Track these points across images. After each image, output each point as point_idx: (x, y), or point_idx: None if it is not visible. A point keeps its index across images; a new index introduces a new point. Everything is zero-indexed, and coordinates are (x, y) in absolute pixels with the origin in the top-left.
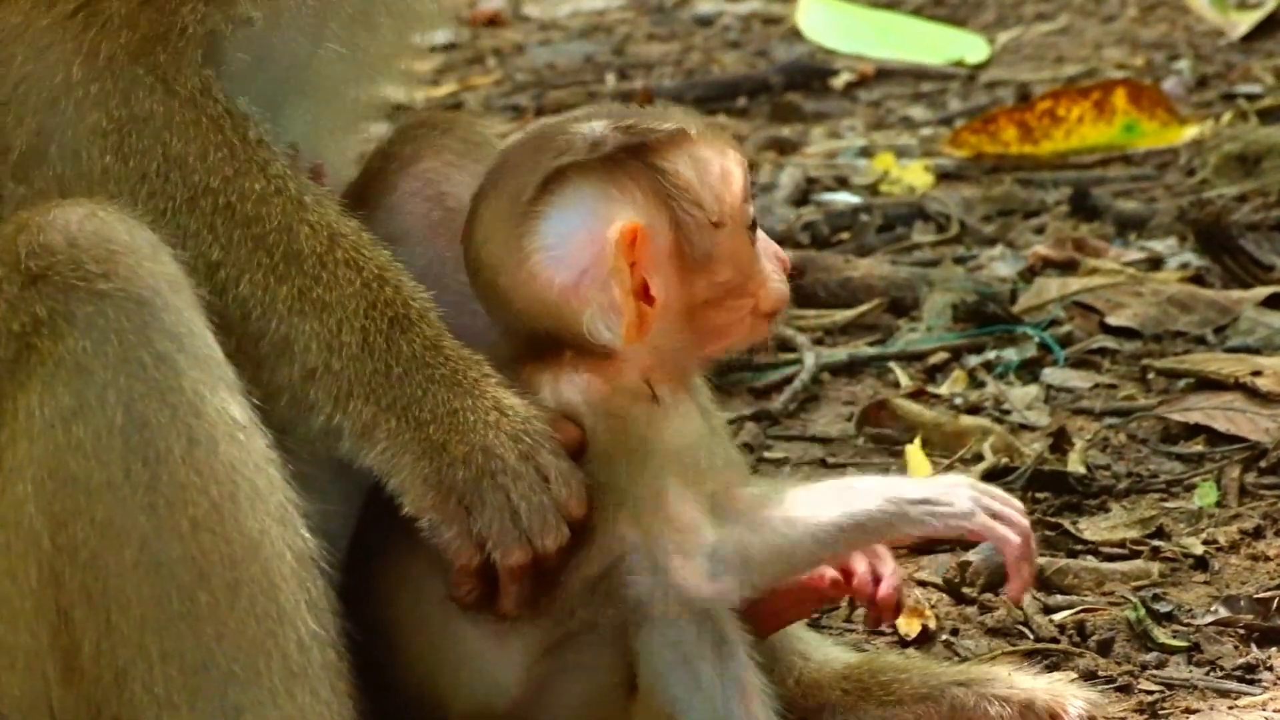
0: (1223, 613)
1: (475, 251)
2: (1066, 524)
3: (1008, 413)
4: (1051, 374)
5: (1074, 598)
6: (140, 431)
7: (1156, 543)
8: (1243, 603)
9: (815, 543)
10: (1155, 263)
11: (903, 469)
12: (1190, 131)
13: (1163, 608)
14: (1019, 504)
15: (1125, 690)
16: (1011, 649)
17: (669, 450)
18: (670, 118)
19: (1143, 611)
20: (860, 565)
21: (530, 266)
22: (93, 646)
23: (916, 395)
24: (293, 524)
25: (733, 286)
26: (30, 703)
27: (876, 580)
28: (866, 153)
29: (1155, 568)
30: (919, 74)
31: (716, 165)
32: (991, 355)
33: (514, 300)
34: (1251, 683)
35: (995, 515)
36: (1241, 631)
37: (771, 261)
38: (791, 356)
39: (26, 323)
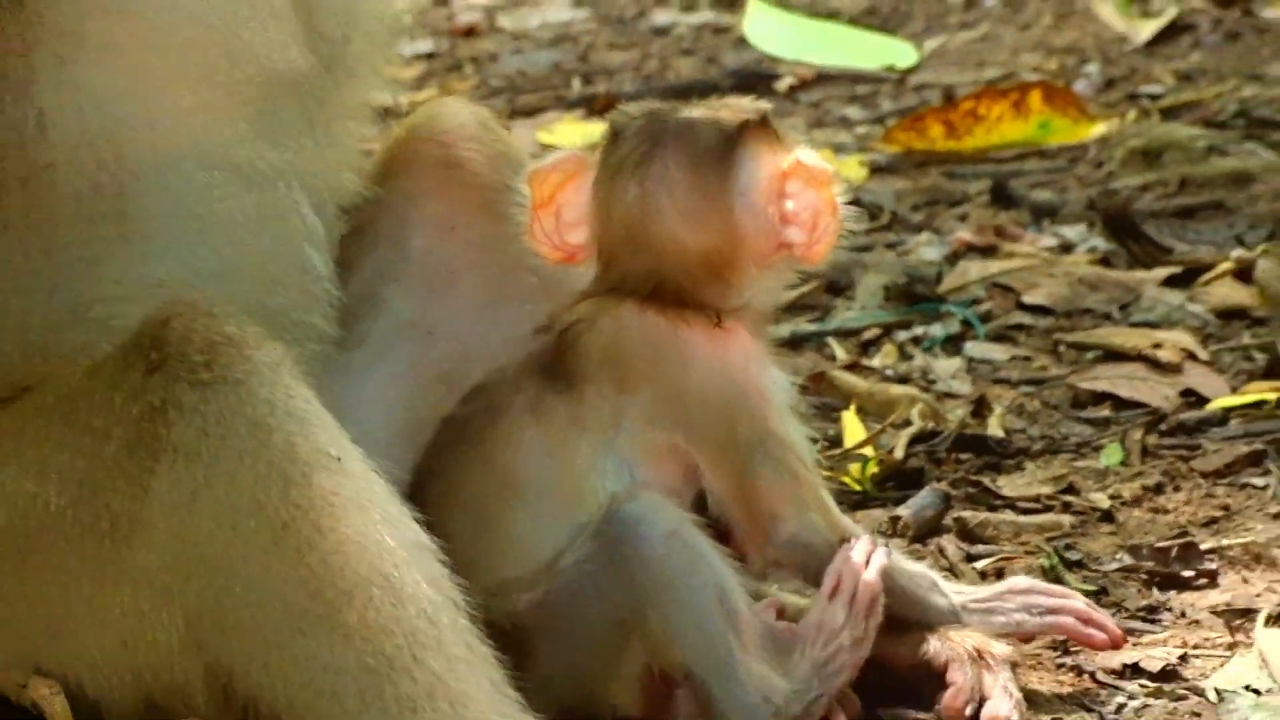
0: (1127, 560)
1: (654, 210)
2: (986, 482)
3: (933, 382)
4: (973, 348)
5: (994, 547)
6: (247, 494)
7: (1067, 498)
8: (1145, 551)
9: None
10: (1066, 247)
11: (840, 433)
12: (1099, 128)
13: (1073, 556)
14: (1063, 590)
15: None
16: None
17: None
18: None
19: (1055, 559)
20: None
21: (733, 212)
22: (240, 681)
23: (852, 367)
24: (398, 521)
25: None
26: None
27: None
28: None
29: (1066, 520)
30: (854, 78)
31: None
32: (919, 331)
33: (688, 248)
34: (1153, 622)
35: (1048, 610)
36: (1144, 577)
37: None
38: None
39: (143, 410)
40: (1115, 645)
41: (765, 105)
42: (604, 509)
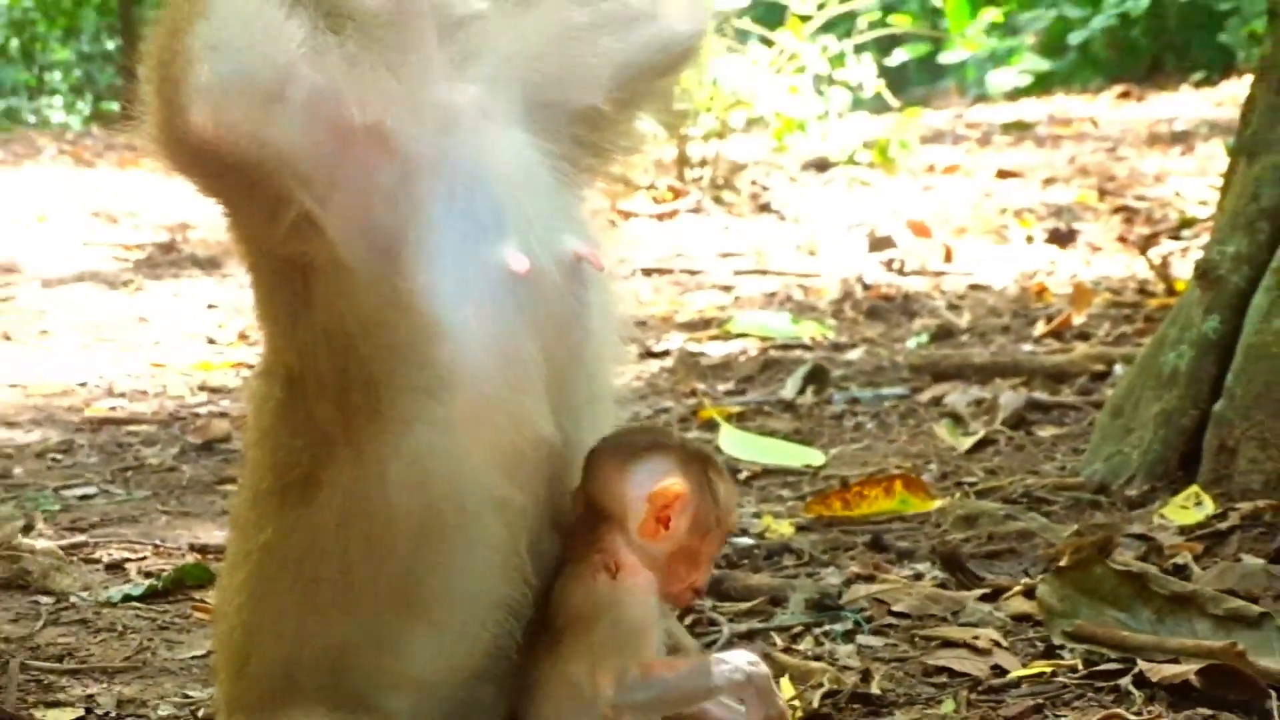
0: None
1: (595, 482)
2: None
3: (836, 660)
4: (861, 639)
5: None
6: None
7: None
8: None
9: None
10: (919, 576)
11: (782, 691)
12: (938, 503)
13: None
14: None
15: None
16: None
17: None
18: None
19: None
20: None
21: (629, 490)
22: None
23: (786, 650)
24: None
25: (697, 559)
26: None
27: None
28: (757, 515)
29: None
30: (786, 471)
31: (730, 496)
32: (828, 628)
33: (609, 508)
34: None
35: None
36: None
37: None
38: (714, 629)
39: (305, 468)
40: None
41: (710, 450)
42: None
